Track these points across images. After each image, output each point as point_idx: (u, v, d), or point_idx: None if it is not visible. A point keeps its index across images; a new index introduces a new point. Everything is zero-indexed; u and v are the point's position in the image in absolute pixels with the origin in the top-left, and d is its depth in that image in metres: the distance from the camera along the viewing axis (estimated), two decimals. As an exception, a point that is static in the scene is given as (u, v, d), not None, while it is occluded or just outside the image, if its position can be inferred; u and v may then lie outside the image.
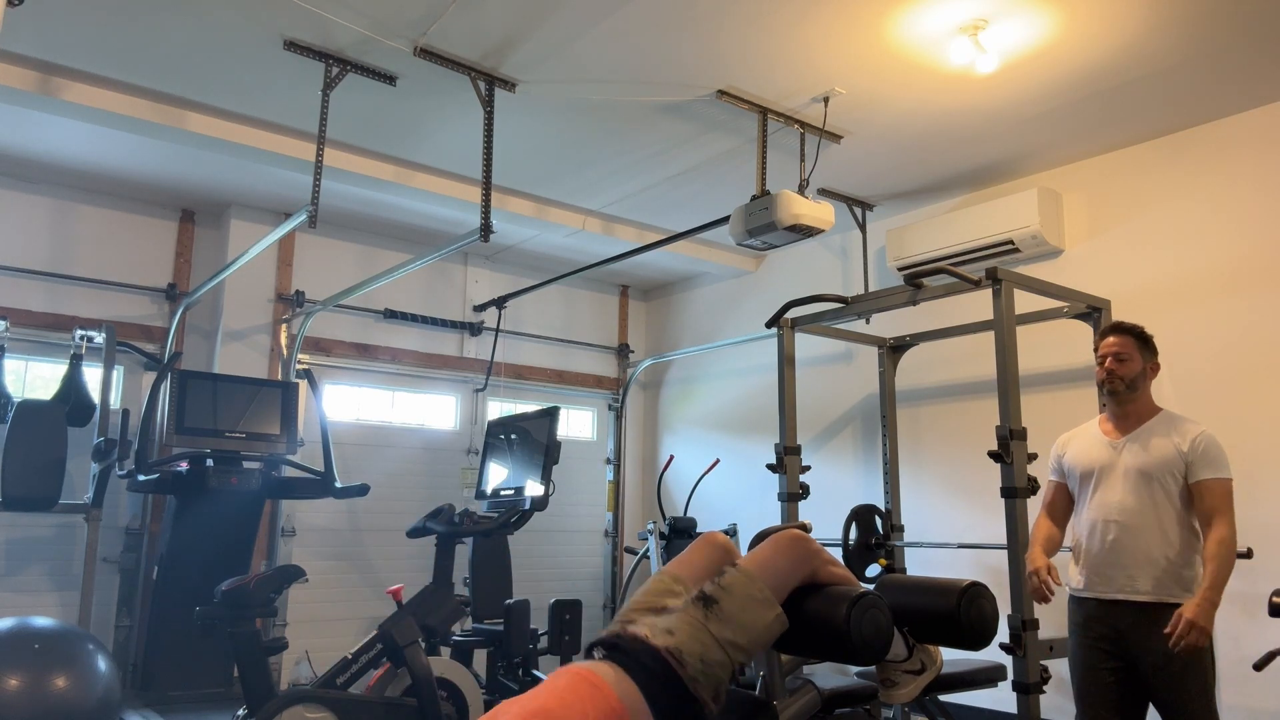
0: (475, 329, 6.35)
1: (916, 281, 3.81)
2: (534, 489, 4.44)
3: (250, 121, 4.33)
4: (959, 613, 2.33)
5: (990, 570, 4.56)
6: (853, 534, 4.50)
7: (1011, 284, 3.42)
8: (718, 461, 5.87)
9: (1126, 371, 2.81)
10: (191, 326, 5.48)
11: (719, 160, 4.71)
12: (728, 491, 6.22)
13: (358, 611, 5.64)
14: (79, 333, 4.83)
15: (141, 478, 4.45)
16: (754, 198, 4.14)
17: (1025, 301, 3.86)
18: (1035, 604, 2.89)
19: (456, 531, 4.05)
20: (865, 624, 2.16)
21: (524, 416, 4.91)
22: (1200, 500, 2.67)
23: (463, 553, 4.76)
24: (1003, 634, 2.84)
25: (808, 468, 4.24)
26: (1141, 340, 2.85)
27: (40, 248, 5.06)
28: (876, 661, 2.28)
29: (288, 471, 4.94)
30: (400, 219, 5.70)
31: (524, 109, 4.16)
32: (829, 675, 2.91)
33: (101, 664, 3.72)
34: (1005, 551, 3.23)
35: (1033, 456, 3.25)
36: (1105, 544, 2.76)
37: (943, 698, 3.25)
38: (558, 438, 4.45)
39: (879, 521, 4.63)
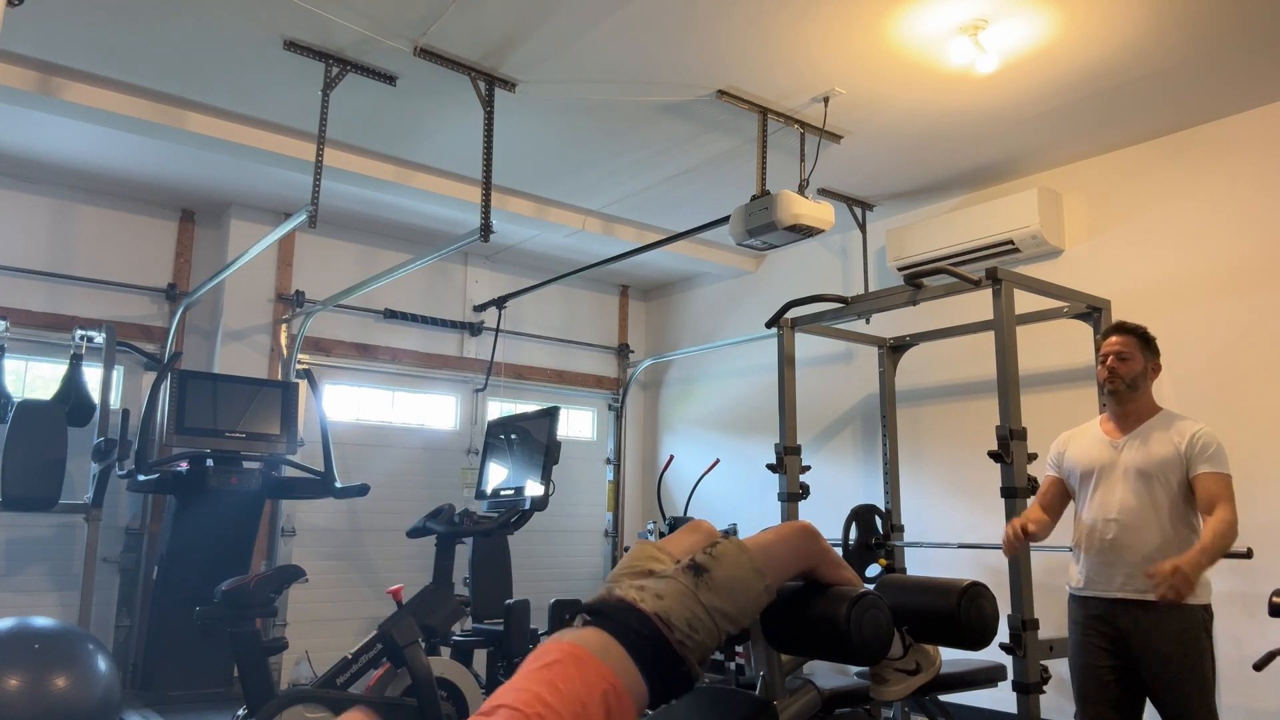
0: (475, 329, 6.35)
1: (916, 281, 3.81)
2: (534, 489, 4.44)
3: (250, 121, 4.33)
4: (959, 613, 2.33)
5: (990, 570, 4.56)
6: (853, 534, 4.50)
7: (1011, 284, 3.42)
8: (718, 461, 5.86)
9: (1128, 371, 2.81)
10: (191, 326, 5.48)
11: (719, 160, 4.71)
12: (728, 491, 6.22)
13: (358, 611, 5.64)
14: (79, 333, 4.83)
15: (141, 478, 4.45)
16: (754, 198, 4.14)
17: (1025, 301, 3.86)
18: (1012, 560, 2.86)
19: (456, 531, 4.05)
20: (865, 624, 2.16)
21: (524, 416, 4.91)
22: (1200, 492, 2.67)
23: (463, 553, 4.76)
24: (1003, 634, 2.84)
25: (808, 468, 4.24)
26: (1144, 340, 2.85)
27: (40, 248, 5.06)
28: (876, 661, 2.28)
29: (288, 471, 4.94)
30: (400, 219, 5.70)
31: (524, 109, 4.16)
32: (829, 675, 2.91)
33: (101, 664, 3.72)
34: (1005, 551, 3.23)
35: (1033, 456, 3.25)
36: (1105, 542, 2.76)
37: (943, 698, 3.25)
38: (558, 438, 4.45)
39: (879, 521, 4.63)
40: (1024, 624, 3.10)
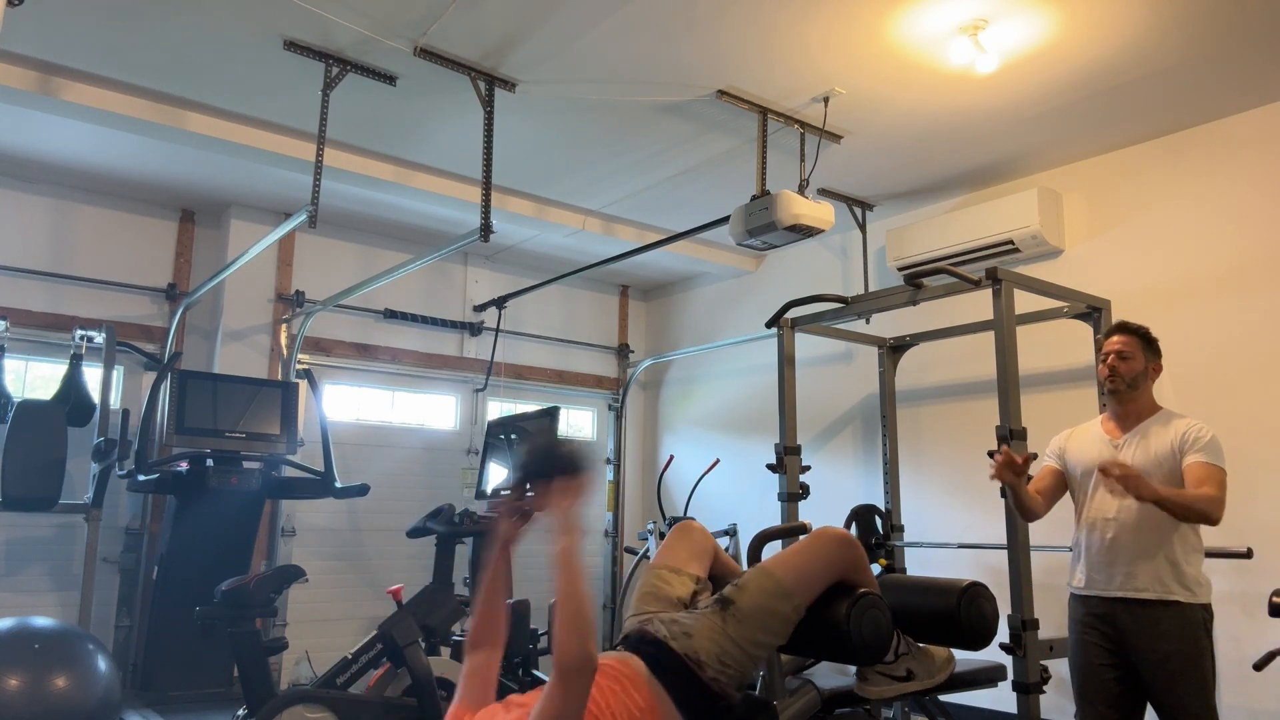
0: (475, 329, 6.35)
1: (916, 281, 3.80)
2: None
3: (250, 121, 4.33)
4: (959, 613, 2.33)
5: (990, 570, 4.56)
6: (851, 532, 4.50)
7: (1011, 284, 3.41)
8: (718, 461, 5.86)
9: (1128, 370, 2.82)
10: (191, 326, 5.48)
11: (719, 160, 4.71)
12: (728, 491, 6.22)
13: (358, 611, 5.64)
14: (79, 333, 4.83)
15: (141, 478, 4.45)
16: (754, 198, 4.13)
17: (1025, 301, 3.86)
18: (1000, 484, 2.84)
19: (456, 531, 4.05)
20: (865, 624, 2.16)
21: (524, 416, 4.91)
22: (1188, 479, 2.65)
23: (463, 553, 4.76)
24: (1003, 634, 2.84)
25: (808, 468, 4.24)
26: (1146, 341, 2.86)
27: (40, 248, 5.06)
28: (876, 661, 2.29)
29: (288, 471, 4.94)
30: (400, 219, 5.70)
31: (524, 109, 4.16)
32: (829, 675, 2.91)
33: (101, 664, 3.72)
34: (1005, 551, 3.23)
35: (1033, 456, 3.24)
36: (1105, 542, 2.76)
37: (943, 698, 3.25)
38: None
39: (879, 521, 4.63)
40: (1024, 624, 3.10)
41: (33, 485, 4.20)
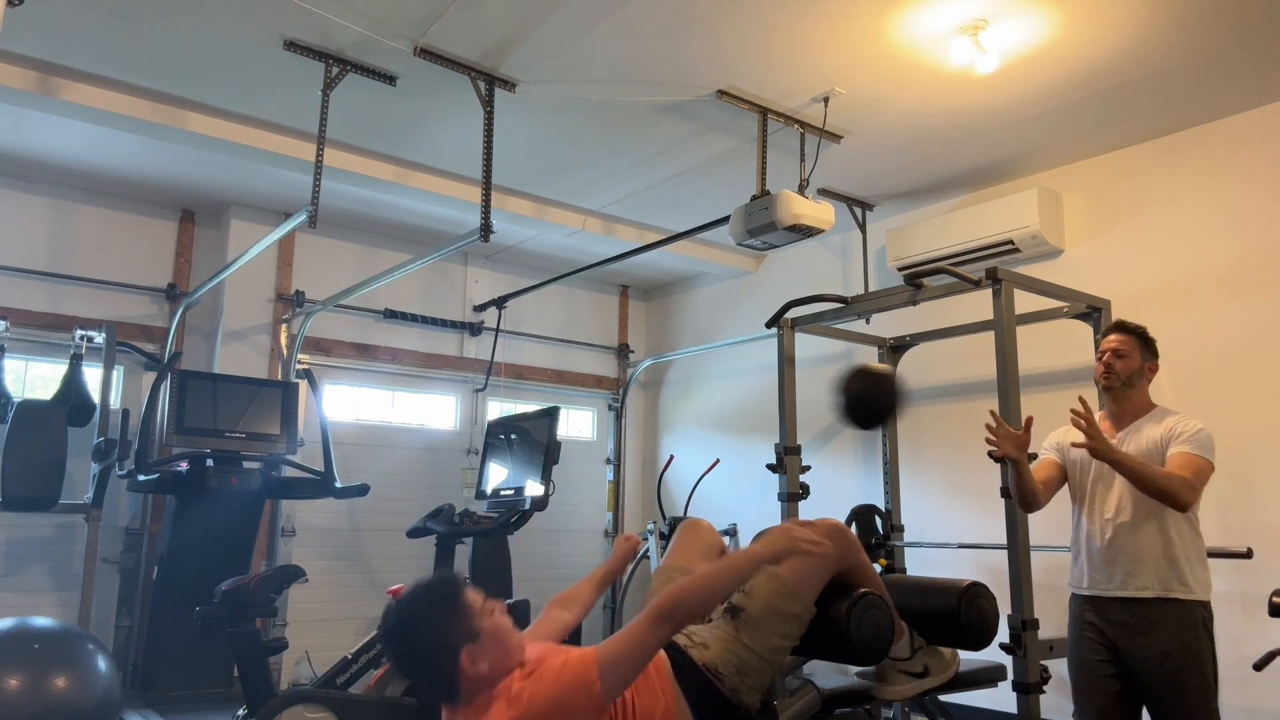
0: (475, 329, 6.35)
1: (916, 281, 3.80)
2: (534, 489, 4.44)
3: (250, 121, 4.33)
4: (959, 613, 2.33)
5: (990, 570, 4.56)
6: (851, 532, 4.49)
7: (1011, 284, 3.41)
8: (718, 461, 5.86)
9: (1124, 368, 2.83)
10: (191, 326, 5.48)
11: (719, 160, 4.71)
12: (728, 491, 6.22)
13: (358, 611, 5.64)
14: (79, 333, 4.83)
15: (141, 478, 4.45)
16: (754, 198, 4.13)
17: (1025, 301, 3.86)
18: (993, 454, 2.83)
19: (456, 531, 4.05)
20: (865, 624, 2.16)
21: (524, 416, 4.91)
22: (1168, 465, 2.65)
23: (463, 553, 4.76)
24: (1003, 634, 2.84)
25: (808, 468, 4.24)
26: (1143, 340, 2.87)
27: (40, 248, 5.06)
28: (876, 662, 2.28)
29: (288, 471, 4.94)
30: (400, 219, 5.70)
31: (524, 109, 4.16)
32: (829, 675, 2.91)
33: (101, 664, 3.72)
34: (1005, 551, 3.23)
35: (1033, 456, 3.24)
36: (1105, 542, 2.76)
37: (943, 698, 3.25)
38: (558, 438, 4.45)
39: (879, 521, 4.63)
40: (1024, 624, 3.10)
41: (33, 485, 4.20)
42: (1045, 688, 3.12)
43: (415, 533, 4.25)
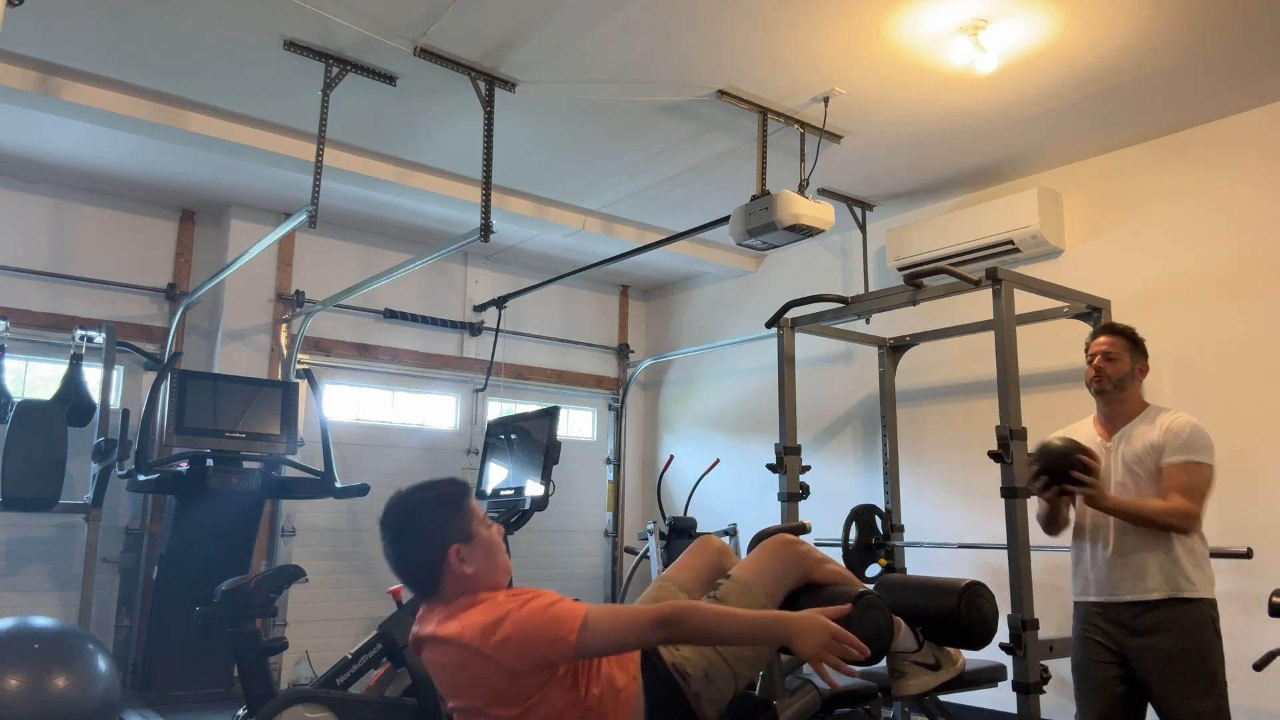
0: (475, 329, 6.35)
1: (916, 281, 3.80)
2: (534, 489, 4.44)
3: (250, 121, 4.33)
4: (959, 612, 2.32)
5: (990, 570, 4.56)
6: (853, 534, 4.50)
7: (1011, 284, 3.41)
8: (718, 461, 5.86)
9: (1114, 371, 2.82)
10: (191, 326, 5.48)
11: (719, 160, 4.71)
12: (728, 491, 6.22)
13: (358, 611, 5.64)
14: (79, 333, 4.83)
15: (141, 478, 4.45)
16: (754, 198, 4.13)
17: (1025, 301, 3.86)
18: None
19: (456, 531, 4.04)
20: (865, 624, 2.16)
21: (524, 416, 4.91)
22: (1164, 486, 2.67)
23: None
24: (1003, 634, 2.84)
25: (808, 468, 4.23)
26: (1132, 341, 2.86)
27: (40, 248, 5.06)
28: (875, 662, 2.28)
29: (288, 471, 4.93)
30: (400, 219, 5.70)
31: (524, 109, 4.16)
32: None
33: (101, 664, 3.72)
34: (1005, 551, 3.23)
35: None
36: (1107, 548, 2.75)
37: (943, 698, 3.25)
38: (558, 438, 4.45)
39: (879, 521, 4.63)
40: (1024, 624, 3.10)
41: (33, 485, 4.20)
42: (1045, 688, 3.12)
43: (415, 533, 4.24)
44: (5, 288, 4.92)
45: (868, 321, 5.10)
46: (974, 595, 2.36)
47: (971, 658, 3.26)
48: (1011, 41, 3.50)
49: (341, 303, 5.37)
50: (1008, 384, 3.28)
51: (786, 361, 4.23)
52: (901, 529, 4.70)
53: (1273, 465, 3.80)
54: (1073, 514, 2.94)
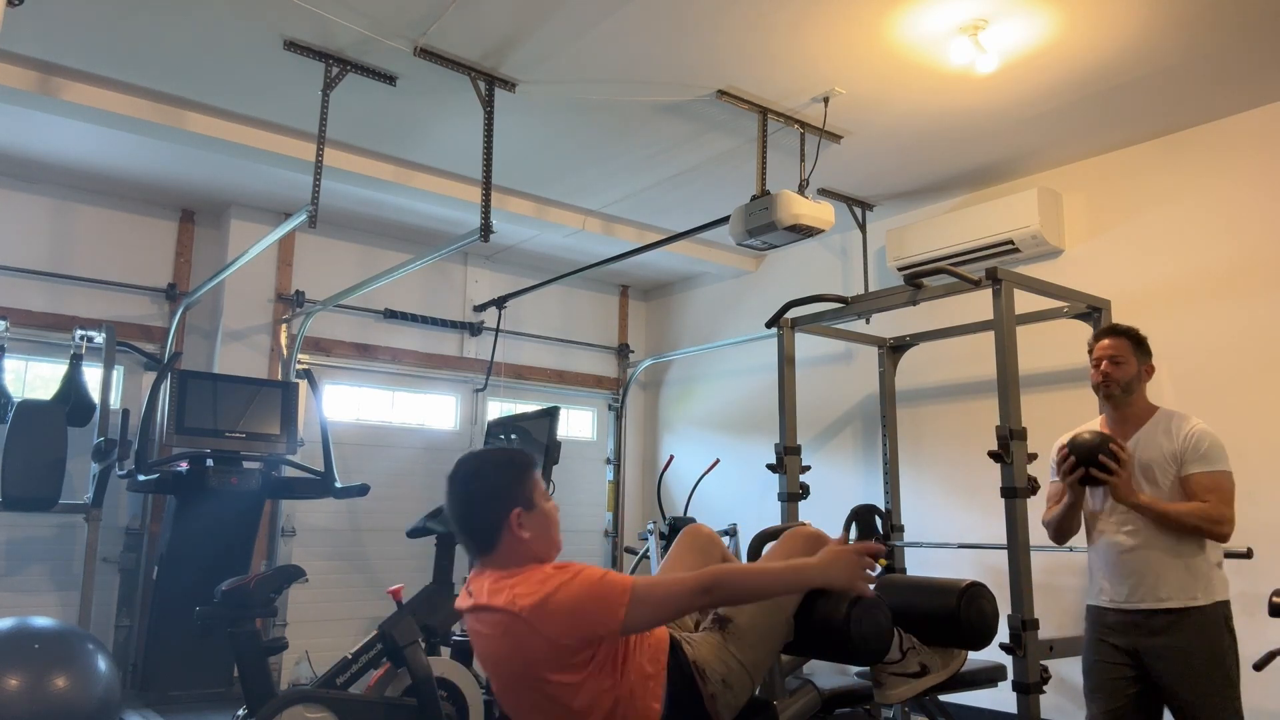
0: (475, 329, 6.35)
1: (916, 281, 3.80)
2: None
3: (250, 121, 4.33)
4: (959, 613, 2.32)
5: (990, 570, 4.56)
6: (853, 534, 4.50)
7: (1011, 284, 3.41)
8: (718, 461, 5.86)
9: (1122, 375, 2.80)
10: (191, 326, 5.48)
11: (719, 160, 4.71)
12: (728, 491, 6.22)
13: (358, 611, 5.64)
14: (79, 333, 4.83)
15: (141, 478, 4.45)
16: (754, 198, 4.13)
17: (1025, 301, 3.86)
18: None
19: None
20: (865, 624, 2.16)
21: (524, 416, 4.91)
22: (1190, 493, 2.66)
23: (462, 553, 4.76)
24: (1003, 634, 2.84)
25: (808, 468, 4.24)
26: (1136, 342, 2.83)
27: (40, 248, 5.06)
28: (876, 661, 2.28)
29: (288, 471, 4.93)
30: (400, 219, 5.70)
31: (524, 109, 4.16)
32: (829, 675, 2.91)
33: (101, 664, 3.72)
34: (1005, 551, 3.23)
35: (1033, 456, 3.25)
36: (1121, 554, 2.73)
37: (943, 698, 3.24)
38: (558, 438, 4.45)
39: (879, 521, 4.62)
40: (1024, 624, 3.10)
41: (33, 485, 4.20)
42: (1045, 688, 3.12)
43: (415, 533, 4.25)
44: (5, 288, 4.92)
45: (868, 321, 5.11)
46: (974, 595, 2.36)
47: (971, 657, 3.26)
48: (1011, 41, 3.49)
49: (341, 303, 5.37)
50: (1008, 384, 3.28)
51: (786, 361, 4.23)
52: (901, 529, 4.70)
53: (1273, 465, 3.80)
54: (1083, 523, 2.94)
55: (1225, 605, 2.67)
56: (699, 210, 5.33)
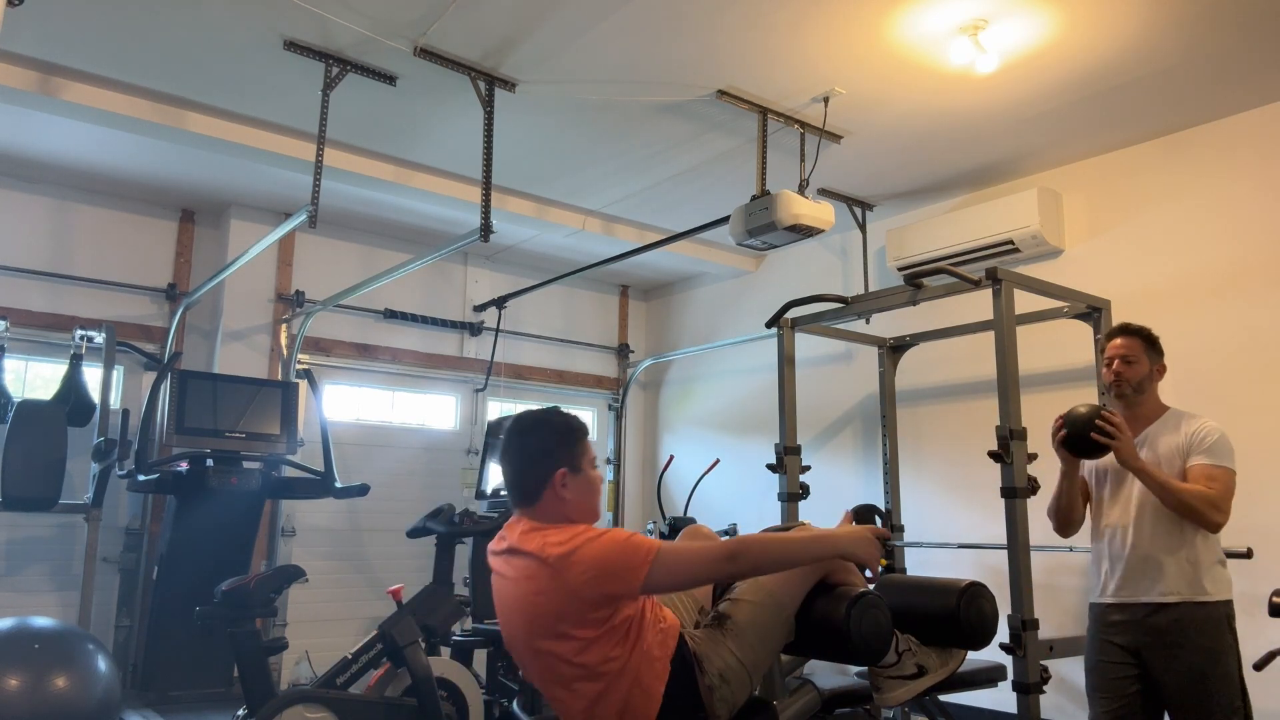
0: (475, 329, 6.35)
1: (916, 281, 3.80)
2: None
3: (250, 121, 4.33)
4: (959, 612, 2.32)
5: (990, 570, 4.56)
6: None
7: (1011, 284, 3.41)
8: (718, 461, 5.85)
9: (1134, 374, 2.80)
10: (191, 326, 5.48)
11: (719, 160, 4.71)
12: (728, 491, 6.22)
13: (358, 611, 5.64)
14: (79, 333, 4.83)
15: (141, 478, 4.45)
16: (754, 198, 4.13)
17: (1025, 301, 3.86)
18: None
19: (456, 531, 4.05)
20: (865, 624, 2.16)
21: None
22: (1190, 479, 2.66)
23: (463, 553, 4.76)
24: (1003, 634, 2.84)
25: (808, 468, 4.24)
26: (1149, 342, 2.84)
27: (40, 248, 5.06)
28: (876, 661, 2.28)
29: (288, 471, 4.93)
30: (400, 219, 5.70)
31: (524, 109, 4.16)
32: (829, 675, 2.91)
33: (101, 664, 3.72)
34: (1005, 551, 3.23)
35: (1033, 456, 3.25)
36: (1126, 549, 2.73)
37: (943, 698, 3.24)
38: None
39: (879, 521, 4.62)
40: (1024, 624, 3.10)
41: (33, 485, 4.20)
42: (1045, 688, 3.12)
43: (415, 533, 4.25)
44: (5, 288, 4.92)
45: (868, 321, 5.10)
46: (974, 595, 2.36)
47: (971, 657, 3.26)
48: (1011, 41, 3.50)
49: (341, 303, 5.37)
50: (1008, 384, 3.28)
51: (786, 361, 4.23)
52: (901, 529, 4.70)
53: (1273, 465, 3.80)
54: (1088, 516, 2.94)
55: (1228, 605, 2.67)
56: (699, 210, 5.33)
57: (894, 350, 4.86)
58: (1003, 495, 3.24)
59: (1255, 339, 3.93)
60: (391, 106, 4.16)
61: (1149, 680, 2.69)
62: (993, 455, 3.24)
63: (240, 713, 3.49)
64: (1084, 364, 4.37)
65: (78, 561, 4.81)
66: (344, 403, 5.88)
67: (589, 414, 7.07)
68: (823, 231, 4.15)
